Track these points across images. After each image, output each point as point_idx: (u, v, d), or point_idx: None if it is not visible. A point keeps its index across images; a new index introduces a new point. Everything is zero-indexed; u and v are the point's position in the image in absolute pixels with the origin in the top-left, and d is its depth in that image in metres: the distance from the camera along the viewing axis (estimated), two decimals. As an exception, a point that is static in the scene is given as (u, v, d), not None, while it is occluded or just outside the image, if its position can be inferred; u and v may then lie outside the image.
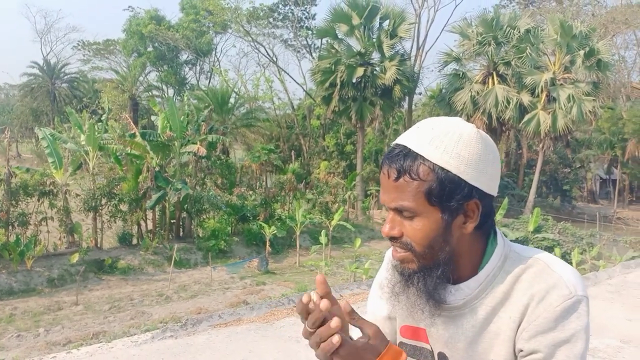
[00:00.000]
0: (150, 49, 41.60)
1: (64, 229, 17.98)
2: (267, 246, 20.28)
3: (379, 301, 1.35)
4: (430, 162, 1.05)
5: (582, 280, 1.11)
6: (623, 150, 36.07)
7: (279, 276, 18.10)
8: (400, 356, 1.03)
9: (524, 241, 20.25)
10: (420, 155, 1.06)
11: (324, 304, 0.99)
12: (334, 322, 0.99)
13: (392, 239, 1.12)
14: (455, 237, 1.10)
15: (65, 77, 51.69)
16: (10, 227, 16.77)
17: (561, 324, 1.05)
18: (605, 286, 7.07)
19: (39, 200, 17.64)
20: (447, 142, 1.06)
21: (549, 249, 20.09)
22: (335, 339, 0.99)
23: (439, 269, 1.11)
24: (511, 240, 1.22)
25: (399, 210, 1.09)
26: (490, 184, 1.09)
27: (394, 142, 1.13)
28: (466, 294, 1.14)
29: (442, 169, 1.05)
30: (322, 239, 19.14)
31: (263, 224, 20.57)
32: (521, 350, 1.10)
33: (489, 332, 1.14)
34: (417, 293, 1.13)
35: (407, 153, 1.07)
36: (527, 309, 1.09)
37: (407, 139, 1.09)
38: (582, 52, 25.37)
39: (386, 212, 1.14)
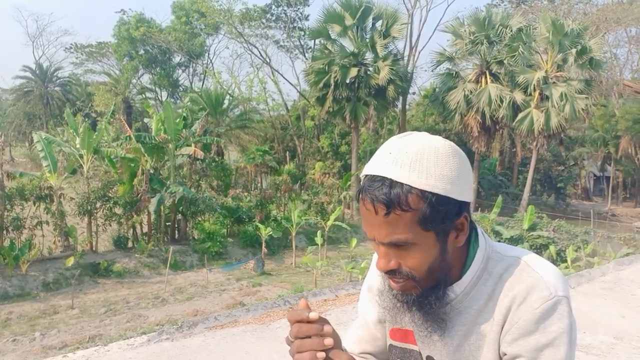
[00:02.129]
0: (141, 52, 41.48)
1: (59, 233, 17.93)
2: (263, 247, 20.28)
3: (368, 304, 1.35)
4: (418, 189, 1.01)
5: (563, 280, 1.11)
6: (616, 148, 36.27)
7: (275, 277, 18.11)
8: None
9: (518, 239, 20.33)
10: (406, 184, 1.01)
11: (313, 314, 1.04)
12: (328, 341, 1.02)
13: (390, 272, 1.09)
14: (450, 253, 1.10)
15: (58, 80, 51.52)
16: (4, 232, 16.71)
17: (542, 326, 1.05)
18: (599, 283, 7.12)
19: (34, 205, 17.59)
20: (425, 165, 1.02)
21: (544, 247, 20.19)
22: (321, 355, 1.03)
23: (441, 287, 1.11)
24: (506, 239, 1.22)
25: (393, 244, 1.06)
26: (470, 193, 1.10)
27: (366, 173, 1.07)
28: (451, 298, 1.14)
29: (432, 193, 1.01)
30: (318, 239, 19.17)
31: (259, 225, 20.57)
32: (505, 354, 1.10)
33: (475, 335, 1.14)
34: (422, 315, 1.13)
35: (390, 184, 1.02)
36: (510, 311, 1.09)
37: (384, 168, 1.04)
38: (574, 51, 25.50)
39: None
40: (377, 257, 1.22)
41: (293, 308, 1.07)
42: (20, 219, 17.13)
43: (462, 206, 1.07)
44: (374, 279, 1.33)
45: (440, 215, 1.03)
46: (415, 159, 1.02)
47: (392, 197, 1.01)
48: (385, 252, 1.08)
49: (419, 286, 1.10)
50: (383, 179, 1.03)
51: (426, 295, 1.11)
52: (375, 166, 1.06)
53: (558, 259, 19.20)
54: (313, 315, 1.05)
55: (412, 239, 1.04)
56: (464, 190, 1.06)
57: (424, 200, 1.02)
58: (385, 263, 1.08)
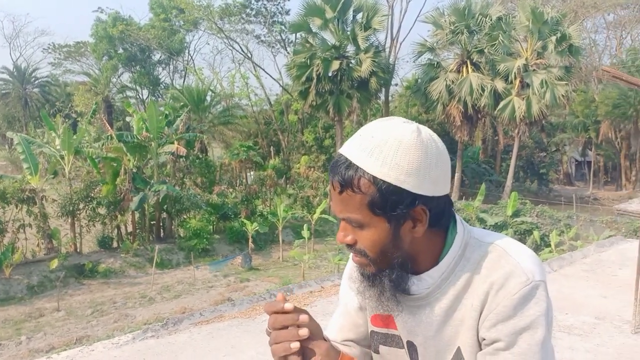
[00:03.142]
0: (120, 51, 41.00)
1: (42, 235, 17.73)
2: (250, 243, 20.24)
3: (350, 293, 1.35)
4: (370, 174, 1.04)
5: (540, 265, 1.12)
6: (597, 132, 36.72)
7: (263, 272, 18.10)
8: None
9: (502, 226, 20.53)
10: (360, 168, 1.04)
11: (288, 305, 1.07)
12: (303, 331, 1.06)
13: (348, 246, 1.14)
14: (406, 242, 1.11)
15: (37, 81, 50.78)
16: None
17: (520, 311, 1.06)
18: (581, 265, 7.22)
19: (16, 207, 17.35)
20: (385, 152, 1.04)
21: (528, 232, 20.40)
22: (295, 345, 1.05)
23: (395, 272, 1.12)
24: (490, 226, 1.24)
25: (347, 220, 1.10)
26: (435, 188, 1.08)
27: (339, 150, 1.12)
28: (429, 283, 1.15)
29: (383, 181, 1.03)
30: (305, 233, 19.18)
31: (245, 221, 20.51)
32: (484, 339, 1.11)
33: (454, 320, 1.15)
34: (381, 291, 1.15)
35: (348, 165, 1.06)
36: (488, 297, 1.10)
37: (349, 149, 1.09)
38: (553, 38, 25.71)
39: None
40: None
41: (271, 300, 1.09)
42: (2, 222, 16.90)
43: (419, 198, 1.06)
44: (354, 267, 1.34)
45: (390, 204, 1.05)
46: (377, 145, 1.05)
47: (346, 178, 1.06)
48: (344, 226, 1.13)
49: (373, 265, 1.13)
50: (346, 159, 1.07)
51: (380, 275, 1.14)
52: (346, 145, 1.11)
53: (542, 244, 19.43)
54: (288, 306, 1.07)
55: (362, 219, 1.08)
56: (423, 184, 1.05)
57: (375, 186, 1.04)
58: (342, 237, 1.13)
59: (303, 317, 1.08)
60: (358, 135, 1.11)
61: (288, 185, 27.95)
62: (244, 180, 27.08)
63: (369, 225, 1.08)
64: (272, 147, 33.19)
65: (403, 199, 1.05)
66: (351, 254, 1.20)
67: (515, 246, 1.15)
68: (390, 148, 1.04)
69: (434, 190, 1.08)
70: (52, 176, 18.78)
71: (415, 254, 1.14)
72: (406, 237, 1.10)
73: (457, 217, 1.19)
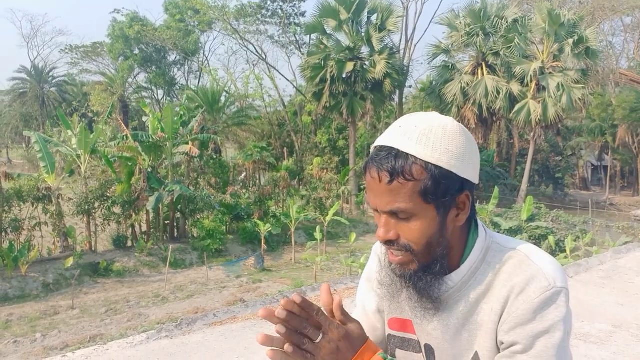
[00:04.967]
0: (136, 51, 41.38)
1: (58, 234, 17.92)
2: (263, 244, 20.28)
3: (368, 295, 1.36)
4: (422, 160, 1.04)
5: (562, 272, 1.12)
6: (614, 137, 36.28)
7: (275, 273, 18.13)
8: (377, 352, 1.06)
9: (517, 230, 20.35)
10: (411, 155, 1.04)
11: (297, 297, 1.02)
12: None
13: (388, 242, 1.11)
14: (449, 231, 1.11)
15: (54, 81, 51.43)
16: (3, 234, 16.70)
17: (539, 316, 1.06)
18: (597, 272, 7.13)
19: (33, 206, 17.56)
20: (433, 139, 1.05)
21: (543, 237, 20.21)
22: (288, 348, 1.00)
23: (438, 264, 1.12)
24: (505, 230, 1.23)
25: (393, 213, 1.07)
26: (475, 174, 1.11)
27: (376, 144, 1.11)
28: (449, 287, 1.15)
29: (435, 165, 1.04)
30: (317, 234, 19.19)
31: (258, 222, 20.56)
32: (502, 343, 1.11)
33: (472, 324, 1.15)
34: (417, 292, 1.14)
35: (396, 154, 1.05)
36: (508, 301, 1.09)
37: (392, 139, 1.08)
38: (570, 41, 25.47)
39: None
40: (378, 246, 1.27)
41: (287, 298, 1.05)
42: (19, 220, 17.11)
43: (465, 184, 1.08)
44: (373, 269, 1.35)
45: (442, 189, 1.05)
46: (423, 133, 1.06)
47: (396, 166, 1.05)
48: (386, 221, 1.10)
49: (417, 261, 1.11)
50: (390, 149, 1.07)
51: (423, 271, 1.12)
52: (384, 137, 1.10)
53: (557, 249, 19.23)
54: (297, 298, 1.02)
55: (412, 209, 1.06)
56: (468, 169, 1.08)
57: (427, 172, 1.04)
58: (385, 232, 1.10)
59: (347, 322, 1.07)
60: (397, 126, 1.10)
61: (301, 187, 27.99)
62: (257, 181, 27.17)
63: (418, 215, 1.07)
64: (285, 148, 33.25)
65: (454, 184, 1.06)
66: (385, 255, 1.18)
67: (538, 252, 1.15)
68: (437, 134, 1.06)
69: (475, 177, 1.11)
70: (69, 175, 18.97)
71: (450, 248, 1.14)
72: (450, 226, 1.11)
73: (479, 221, 1.19)
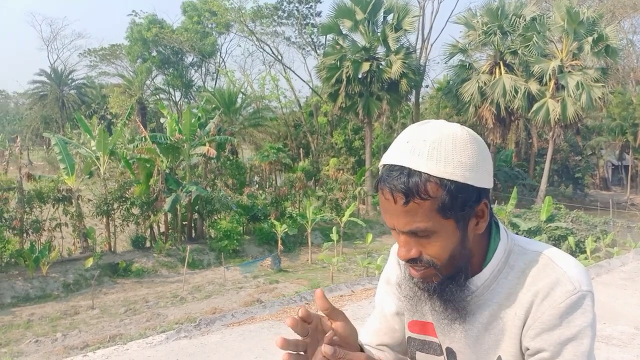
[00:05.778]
0: (154, 53, 41.79)
1: (78, 234, 18.15)
2: (279, 244, 20.32)
3: (386, 297, 1.35)
4: (436, 177, 1.01)
5: (586, 275, 1.10)
6: (634, 136, 35.68)
7: (292, 274, 18.15)
8: None
9: (537, 231, 20.11)
10: (424, 173, 1.01)
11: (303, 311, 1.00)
12: (326, 348, 0.96)
13: (411, 260, 1.09)
14: (470, 240, 1.10)
15: (73, 83, 52.20)
16: (24, 234, 16.97)
17: (566, 321, 1.04)
18: (619, 273, 7.02)
19: (53, 207, 17.82)
20: (444, 152, 1.02)
21: (563, 238, 19.94)
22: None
23: (462, 274, 1.11)
24: (524, 231, 1.22)
25: (413, 233, 1.05)
26: (490, 180, 1.09)
27: (384, 163, 1.07)
28: (471, 291, 1.13)
29: (450, 180, 1.01)
30: (334, 235, 19.17)
31: (274, 223, 20.62)
32: (527, 349, 1.09)
33: (495, 329, 1.13)
34: (443, 303, 1.13)
35: (408, 173, 1.02)
36: (532, 306, 1.08)
37: (401, 157, 1.04)
38: (590, 39, 25.09)
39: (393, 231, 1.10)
40: (396, 248, 1.23)
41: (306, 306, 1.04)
42: (40, 221, 17.37)
43: (482, 193, 1.06)
44: (392, 271, 1.34)
45: (459, 203, 1.03)
46: (433, 147, 1.02)
47: (410, 186, 1.01)
48: (405, 240, 1.07)
49: (440, 274, 1.10)
50: (401, 168, 1.03)
51: (447, 282, 1.10)
52: (393, 155, 1.07)
53: (577, 250, 18.96)
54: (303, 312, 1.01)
55: (431, 227, 1.04)
56: (483, 177, 1.05)
57: (443, 188, 1.02)
58: (406, 252, 1.08)
59: (335, 325, 1.03)
60: (403, 142, 1.06)
61: (317, 188, 27.98)
62: (274, 182, 27.24)
63: (438, 231, 1.04)
64: (301, 149, 33.30)
65: (470, 195, 1.04)
66: (405, 267, 1.16)
67: (562, 255, 1.13)
68: (446, 147, 1.03)
69: (490, 182, 1.08)
70: (88, 176, 19.21)
71: (471, 255, 1.13)
72: (470, 236, 1.09)
73: (500, 224, 1.17)
